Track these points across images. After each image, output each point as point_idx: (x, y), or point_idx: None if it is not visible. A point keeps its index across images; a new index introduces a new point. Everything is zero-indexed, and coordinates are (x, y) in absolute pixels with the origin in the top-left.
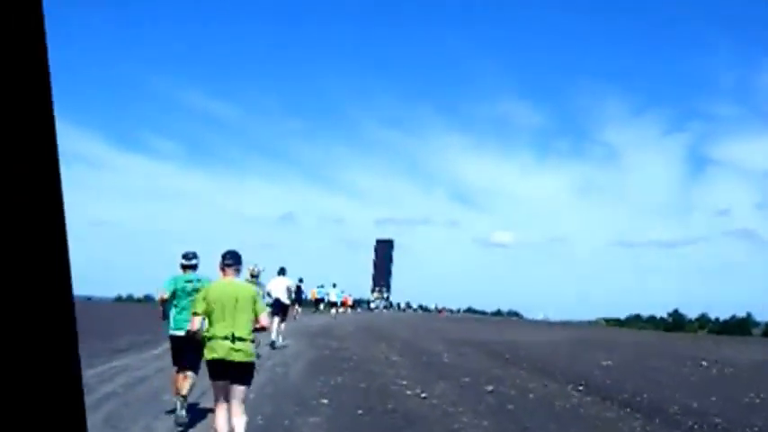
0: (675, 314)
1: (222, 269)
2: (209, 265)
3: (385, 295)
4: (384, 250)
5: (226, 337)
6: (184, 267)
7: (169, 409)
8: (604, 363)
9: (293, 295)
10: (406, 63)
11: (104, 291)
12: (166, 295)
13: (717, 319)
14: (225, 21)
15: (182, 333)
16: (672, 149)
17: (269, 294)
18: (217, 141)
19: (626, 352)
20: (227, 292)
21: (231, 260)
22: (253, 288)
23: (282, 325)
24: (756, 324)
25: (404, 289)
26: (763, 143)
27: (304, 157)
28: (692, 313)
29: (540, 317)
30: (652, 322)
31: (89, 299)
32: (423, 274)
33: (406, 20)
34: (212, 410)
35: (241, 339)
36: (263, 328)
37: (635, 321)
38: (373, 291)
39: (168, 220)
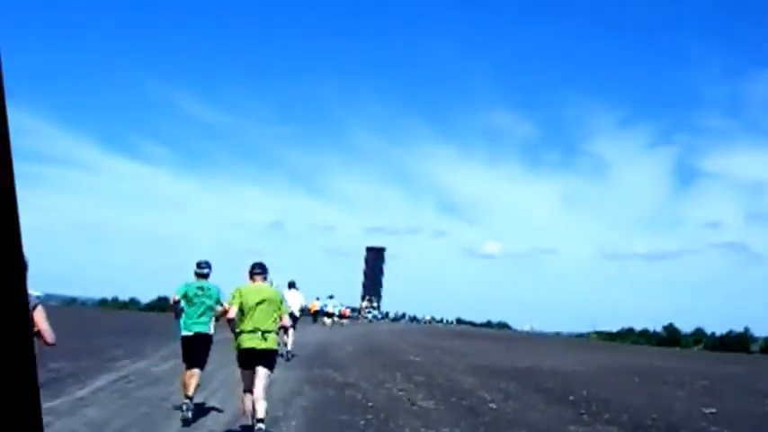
0: (670, 328)
1: (251, 277)
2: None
3: (375, 304)
4: (374, 259)
5: (254, 330)
6: (197, 275)
7: (178, 405)
8: (706, 410)
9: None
10: (396, 72)
11: (88, 292)
12: (177, 297)
13: (713, 334)
14: (217, 27)
15: (191, 334)
16: (660, 161)
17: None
18: (208, 147)
19: (713, 390)
20: (257, 294)
21: (259, 270)
22: (278, 291)
23: (291, 337)
24: (754, 339)
25: (392, 298)
26: (753, 155)
27: (294, 164)
28: (685, 327)
29: (526, 328)
30: (645, 336)
31: (73, 300)
32: (411, 283)
33: (397, 29)
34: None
35: (267, 332)
36: (284, 327)
37: (627, 335)
38: (363, 299)
39: (158, 225)
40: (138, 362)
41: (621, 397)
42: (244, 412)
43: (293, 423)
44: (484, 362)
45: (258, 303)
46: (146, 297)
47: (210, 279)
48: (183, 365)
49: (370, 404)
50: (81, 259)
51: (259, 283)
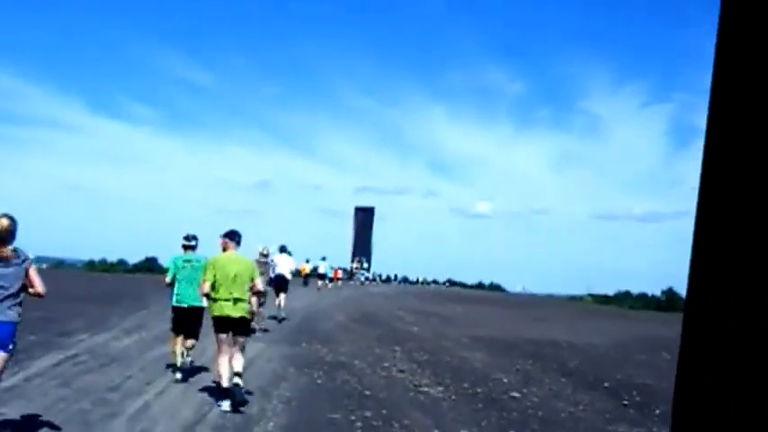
0: (669, 292)
1: (224, 244)
2: (190, 230)
3: (365, 266)
4: (364, 219)
5: (228, 299)
6: (185, 247)
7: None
8: None
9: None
10: (385, 30)
11: (78, 254)
12: (168, 280)
13: None
14: None
15: (184, 306)
16: (656, 120)
17: (274, 269)
18: (193, 107)
19: None
20: (229, 263)
21: (235, 237)
22: (250, 260)
23: (284, 298)
24: None
25: (382, 259)
26: None
27: (281, 124)
28: (682, 291)
29: (518, 289)
30: (642, 300)
31: (61, 262)
32: (401, 244)
33: None
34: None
35: (240, 300)
36: (258, 292)
37: (624, 298)
38: (353, 260)
39: (144, 186)
40: (97, 335)
41: (664, 383)
42: (219, 376)
43: (270, 425)
44: (489, 332)
45: (231, 273)
46: (134, 258)
47: (199, 246)
48: (171, 333)
49: (367, 392)
50: (69, 221)
51: (231, 251)
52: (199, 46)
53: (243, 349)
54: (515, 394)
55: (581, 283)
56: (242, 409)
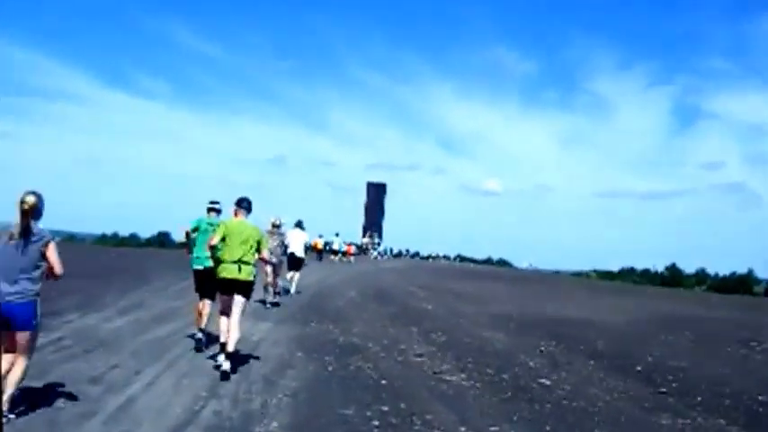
0: (672, 269)
1: (236, 211)
2: (202, 205)
3: (376, 240)
4: (375, 194)
5: (234, 262)
6: (209, 210)
7: (190, 333)
8: None
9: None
10: (396, 8)
11: (91, 228)
12: (189, 229)
13: (716, 275)
14: None
15: (201, 267)
16: (660, 101)
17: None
18: (206, 81)
19: None
20: (238, 228)
21: (246, 204)
22: (258, 228)
23: (297, 275)
24: (758, 282)
25: (393, 234)
26: (755, 97)
27: (294, 99)
28: (688, 267)
29: (524, 265)
30: (647, 276)
31: (73, 236)
32: (411, 219)
33: None
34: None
35: (245, 263)
36: (263, 260)
37: (628, 274)
38: (364, 235)
39: (158, 160)
40: (88, 316)
41: (699, 367)
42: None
43: (274, 425)
44: (506, 310)
45: (238, 237)
46: (147, 232)
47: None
48: (197, 296)
49: (383, 382)
50: (82, 194)
51: (241, 218)
52: (212, 20)
53: (241, 312)
54: (545, 381)
55: (585, 259)
56: (243, 398)
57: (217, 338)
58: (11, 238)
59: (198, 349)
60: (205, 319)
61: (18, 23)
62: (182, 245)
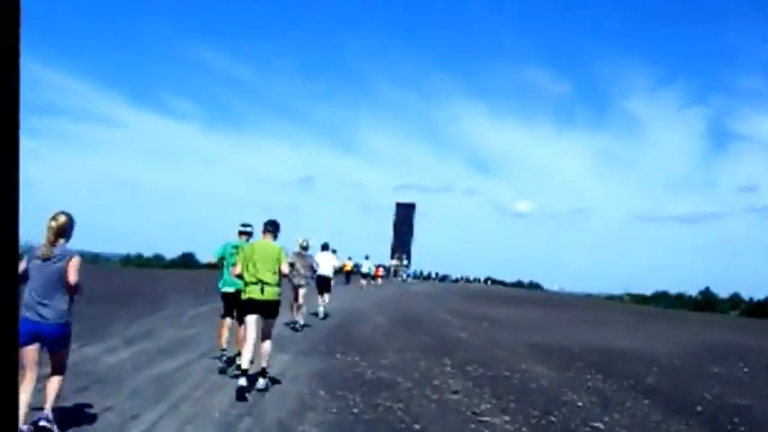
0: (706, 293)
1: (263, 233)
2: (229, 226)
3: (405, 263)
4: (405, 215)
5: (256, 283)
6: (240, 233)
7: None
8: None
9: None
10: (426, 27)
11: (116, 248)
12: (213, 260)
13: (750, 300)
14: None
15: (231, 290)
16: (694, 122)
17: (317, 265)
18: (235, 102)
19: None
20: (260, 250)
21: (270, 227)
22: (279, 246)
23: (327, 297)
24: None
25: (422, 256)
26: None
27: (322, 120)
28: (721, 292)
29: (555, 288)
30: (680, 300)
31: (97, 256)
32: (441, 241)
33: None
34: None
35: (268, 284)
36: (283, 275)
37: (661, 299)
38: (393, 257)
39: (187, 181)
40: (89, 346)
41: (764, 404)
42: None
43: None
44: (544, 338)
45: (259, 258)
46: (171, 253)
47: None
48: (219, 317)
49: (416, 426)
50: (109, 214)
51: (265, 239)
52: (240, 42)
53: (269, 334)
54: (598, 425)
55: (617, 282)
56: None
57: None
58: (40, 257)
59: (222, 369)
60: (227, 337)
61: (49, 45)
62: (210, 266)
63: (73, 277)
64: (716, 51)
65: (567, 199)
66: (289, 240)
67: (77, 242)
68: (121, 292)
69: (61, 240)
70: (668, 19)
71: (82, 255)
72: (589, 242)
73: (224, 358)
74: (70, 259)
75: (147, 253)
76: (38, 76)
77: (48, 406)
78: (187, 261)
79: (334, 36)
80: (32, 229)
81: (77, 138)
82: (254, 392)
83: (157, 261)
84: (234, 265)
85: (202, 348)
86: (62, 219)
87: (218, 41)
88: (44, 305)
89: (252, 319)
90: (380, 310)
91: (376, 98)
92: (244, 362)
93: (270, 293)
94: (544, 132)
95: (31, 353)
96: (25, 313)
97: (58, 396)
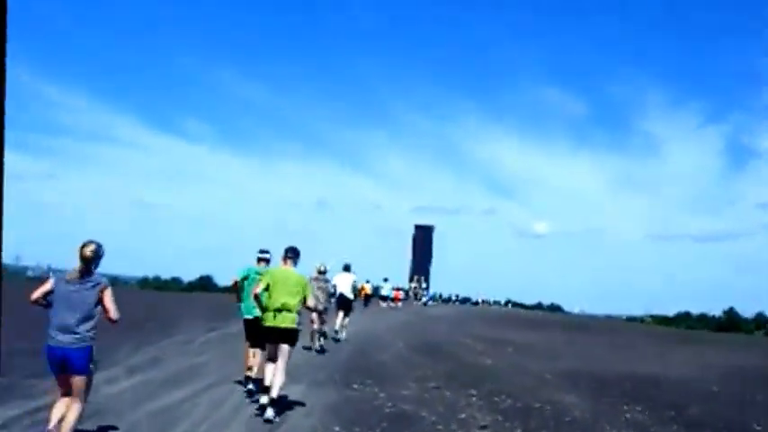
0: (730, 312)
1: (284, 259)
2: (245, 249)
3: (423, 285)
4: (423, 237)
5: (277, 310)
6: (259, 260)
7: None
8: None
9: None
10: (442, 49)
11: (134, 270)
12: (237, 278)
13: None
14: (261, 5)
15: (251, 317)
16: (712, 140)
17: (335, 288)
18: (250, 124)
19: None
20: (283, 277)
21: (291, 253)
22: (304, 277)
23: (346, 320)
24: None
25: (440, 278)
26: None
27: (339, 142)
28: (744, 311)
29: (576, 310)
30: (703, 321)
31: (115, 279)
32: (459, 262)
33: (443, 5)
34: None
35: (289, 311)
36: (308, 308)
37: (684, 319)
38: (411, 279)
39: (201, 203)
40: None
41: None
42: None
43: None
44: (574, 365)
45: (283, 285)
46: (189, 276)
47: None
48: (246, 344)
49: None
50: (127, 236)
51: (287, 266)
52: (256, 63)
53: (286, 360)
54: None
55: (638, 303)
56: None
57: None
58: (68, 282)
59: (249, 392)
60: (256, 368)
61: (63, 66)
62: (229, 290)
63: (114, 314)
64: (733, 69)
65: (585, 219)
66: (305, 264)
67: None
68: (131, 317)
69: (91, 268)
70: (684, 38)
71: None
72: (608, 262)
73: (250, 385)
74: (104, 289)
75: (166, 275)
76: (51, 97)
77: None
78: (205, 284)
79: (350, 58)
80: (51, 251)
81: (92, 159)
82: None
83: (175, 284)
84: (257, 284)
85: (210, 378)
86: (92, 247)
87: (234, 64)
88: (71, 331)
89: (270, 348)
90: (400, 335)
91: (393, 120)
92: (274, 390)
93: (290, 321)
94: (561, 153)
95: (65, 380)
96: (52, 339)
97: (75, 424)
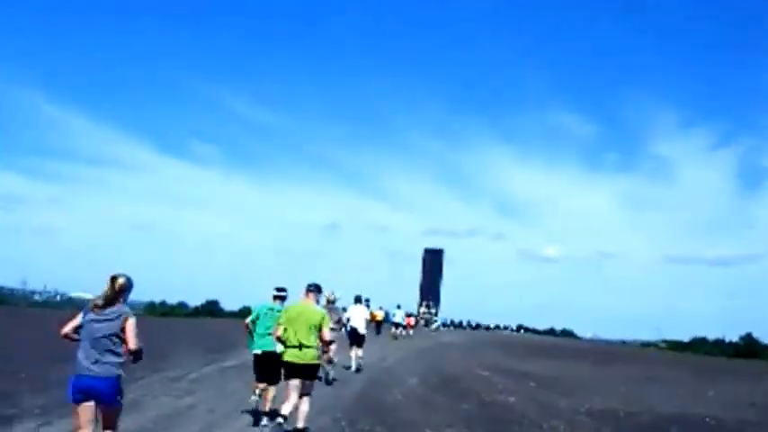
0: (748, 339)
1: (306, 294)
2: (256, 273)
3: (433, 310)
4: (432, 260)
5: (295, 346)
6: (275, 297)
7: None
8: None
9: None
10: (451, 72)
11: (140, 295)
12: (248, 320)
13: None
14: (269, 28)
15: (258, 352)
16: (725, 162)
17: (348, 320)
18: (259, 147)
19: None
20: (301, 312)
21: (313, 287)
22: (322, 311)
23: (360, 351)
24: None
25: (450, 302)
26: None
27: (347, 165)
28: (762, 336)
29: (588, 335)
30: (720, 346)
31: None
32: (469, 286)
33: (452, 29)
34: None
35: (308, 347)
36: (325, 342)
37: (700, 345)
38: (420, 304)
39: (209, 227)
40: (53, 424)
41: None
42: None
43: None
44: (607, 404)
45: (300, 321)
46: (196, 300)
47: (269, 293)
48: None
49: None
50: (133, 260)
51: (306, 301)
52: (264, 86)
53: (309, 394)
54: None
55: (651, 328)
56: None
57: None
58: (93, 311)
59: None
60: (269, 403)
61: (71, 90)
62: (233, 315)
63: (133, 344)
64: (745, 89)
65: (597, 243)
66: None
67: (102, 289)
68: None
69: (120, 300)
70: (695, 60)
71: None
72: (619, 286)
73: (255, 404)
74: (126, 319)
75: (172, 300)
76: (57, 121)
77: None
78: (212, 309)
79: (359, 81)
80: (58, 275)
81: (99, 182)
82: None
83: (181, 309)
84: (276, 326)
85: (196, 426)
86: (121, 280)
87: (242, 87)
88: (98, 361)
89: (292, 383)
90: (413, 366)
91: (402, 143)
92: (300, 420)
93: (309, 357)
94: (572, 176)
95: (88, 410)
96: (79, 369)
97: None
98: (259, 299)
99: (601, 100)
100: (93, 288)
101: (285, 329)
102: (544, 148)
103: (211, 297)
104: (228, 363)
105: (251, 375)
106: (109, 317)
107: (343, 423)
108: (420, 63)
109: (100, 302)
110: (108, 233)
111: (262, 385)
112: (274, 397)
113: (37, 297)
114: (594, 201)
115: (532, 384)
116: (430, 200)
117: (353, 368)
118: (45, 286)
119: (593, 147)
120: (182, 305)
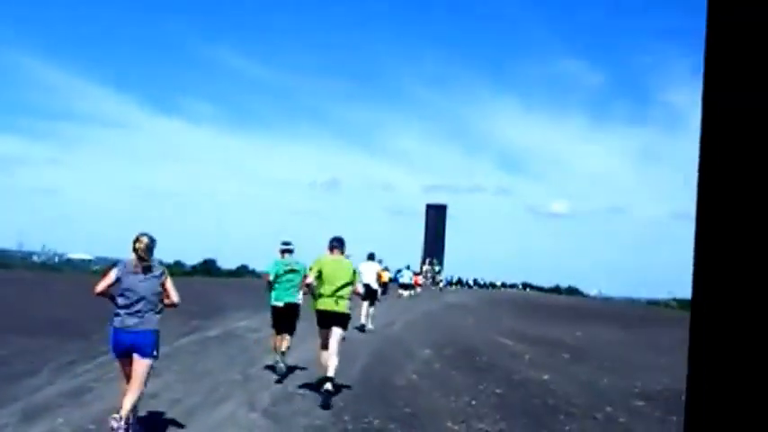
0: None
1: (331, 249)
2: (254, 232)
3: (437, 268)
4: (436, 217)
5: (330, 295)
6: (283, 252)
7: (269, 363)
8: None
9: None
10: (451, 22)
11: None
12: (271, 278)
13: None
14: None
15: (280, 304)
16: None
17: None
18: (255, 104)
19: None
20: (334, 265)
21: (337, 243)
22: (352, 265)
23: (372, 309)
24: None
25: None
26: None
27: (347, 121)
28: None
29: (594, 292)
30: None
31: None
32: (473, 243)
33: None
34: (302, 368)
35: (341, 297)
36: (357, 293)
37: None
38: (423, 262)
39: (205, 186)
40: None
41: None
42: (321, 365)
43: None
44: (660, 382)
45: (335, 272)
46: (192, 260)
47: (263, 251)
48: (272, 331)
49: None
50: (128, 220)
51: (337, 255)
52: (260, 41)
53: (339, 343)
54: None
55: (659, 285)
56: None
57: (293, 369)
58: (134, 273)
59: (278, 381)
60: (285, 348)
61: (65, 49)
62: (233, 274)
63: (176, 297)
64: None
65: (606, 198)
66: (318, 248)
67: (100, 249)
68: (85, 318)
69: (149, 258)
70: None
71: (105, 261)
72: (629, 242)
73: (279, 366)
74: (166, 277)
75: (169, 259)
76: (53, 81)
77: (123, 414)
78: (208, 268)
79: (357, 35)
80: (53, 236)
81: (90, 141)
82: None
83: (177, 268)
84: (310, 272)
85: (150, 425)
86: (146, 239)
87: (237, 42)
88: (140, 316)
89: (324, 331)
90: (423, 334)
91: (402, 97)
92: (330, 370)
93: (343, 306)
94: (579, 128)
95: (130, 364)
96: (121, 324)
97: (133, 408)
98: (259, 257)
99: (609, 47)
100: (91, 249)
101: (319, 280)
102: (550, 99)
103: (209, 256)
104: (212, 332)
105: (236, 347)
106: (153, 274)
107: (346, 417)
108: (419, 15)
109: (138, 264)
110: (101, 192)
111: (279, 337)
112: (290, 345)
113: (35, 258)
114: (604, 153)
115: (566, 356)
116: (432, 155)
117: (368, 326)
118: (43, 247)
119: (601, 96)
120: (178, 264)
